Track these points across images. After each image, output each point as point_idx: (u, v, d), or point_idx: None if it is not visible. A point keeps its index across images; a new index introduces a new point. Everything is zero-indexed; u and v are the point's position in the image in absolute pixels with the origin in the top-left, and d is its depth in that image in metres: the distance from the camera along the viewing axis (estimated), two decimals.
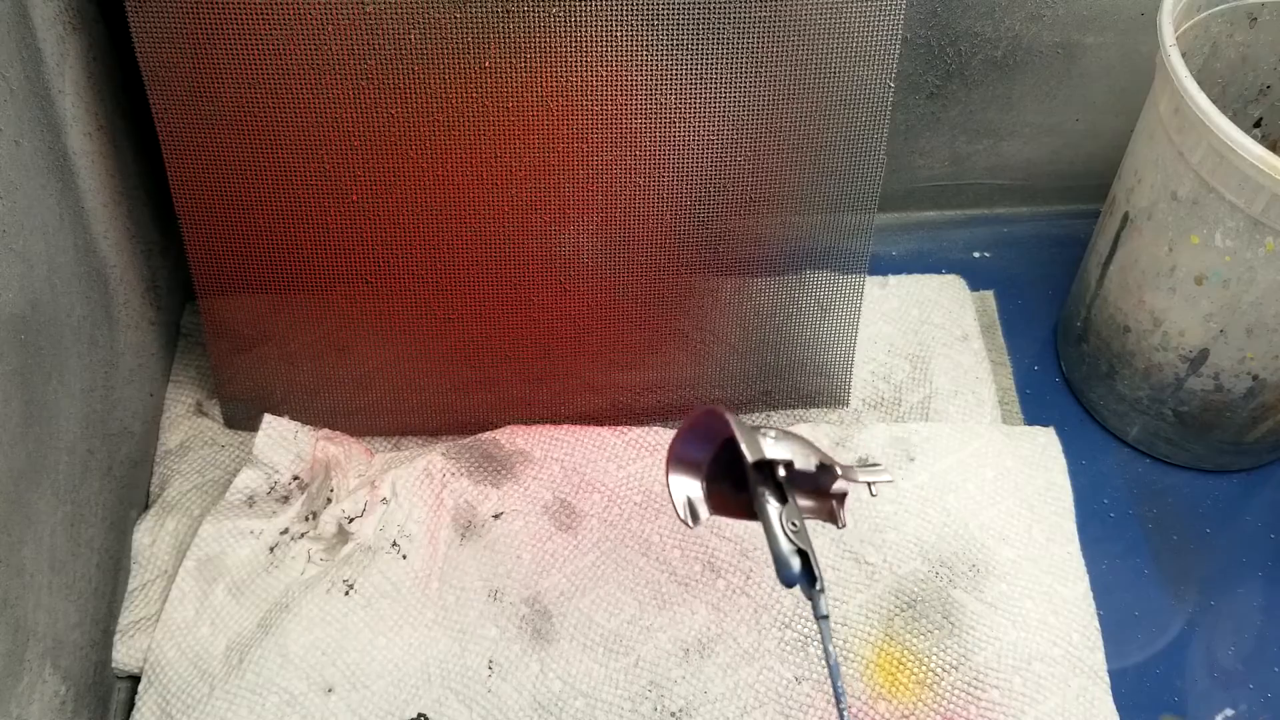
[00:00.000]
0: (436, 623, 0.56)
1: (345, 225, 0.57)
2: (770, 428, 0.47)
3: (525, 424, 0.63)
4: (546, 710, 0.54)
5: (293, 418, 0.62)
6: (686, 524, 0.47)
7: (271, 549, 0.58)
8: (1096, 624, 0.58)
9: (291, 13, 0.50)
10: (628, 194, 0.57)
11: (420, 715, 0.53)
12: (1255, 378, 0.60)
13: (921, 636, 0.56)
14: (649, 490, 0.61)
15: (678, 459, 0.48)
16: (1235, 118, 0.65)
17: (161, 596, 0.57)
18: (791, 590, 0.57)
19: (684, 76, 0.53)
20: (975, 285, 0.75)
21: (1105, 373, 0.67)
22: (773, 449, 0.45)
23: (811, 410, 0.67)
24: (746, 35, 0.52)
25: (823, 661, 0.55)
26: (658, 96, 0.54)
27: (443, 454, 0.61)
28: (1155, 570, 0.63)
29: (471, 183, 0.56)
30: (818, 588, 0.43)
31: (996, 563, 0.58)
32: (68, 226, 0.52)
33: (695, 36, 0.52)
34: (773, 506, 0.44)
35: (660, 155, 0.56)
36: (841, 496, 0.48)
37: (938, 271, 0.75)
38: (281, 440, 0.61)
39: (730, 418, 0.45)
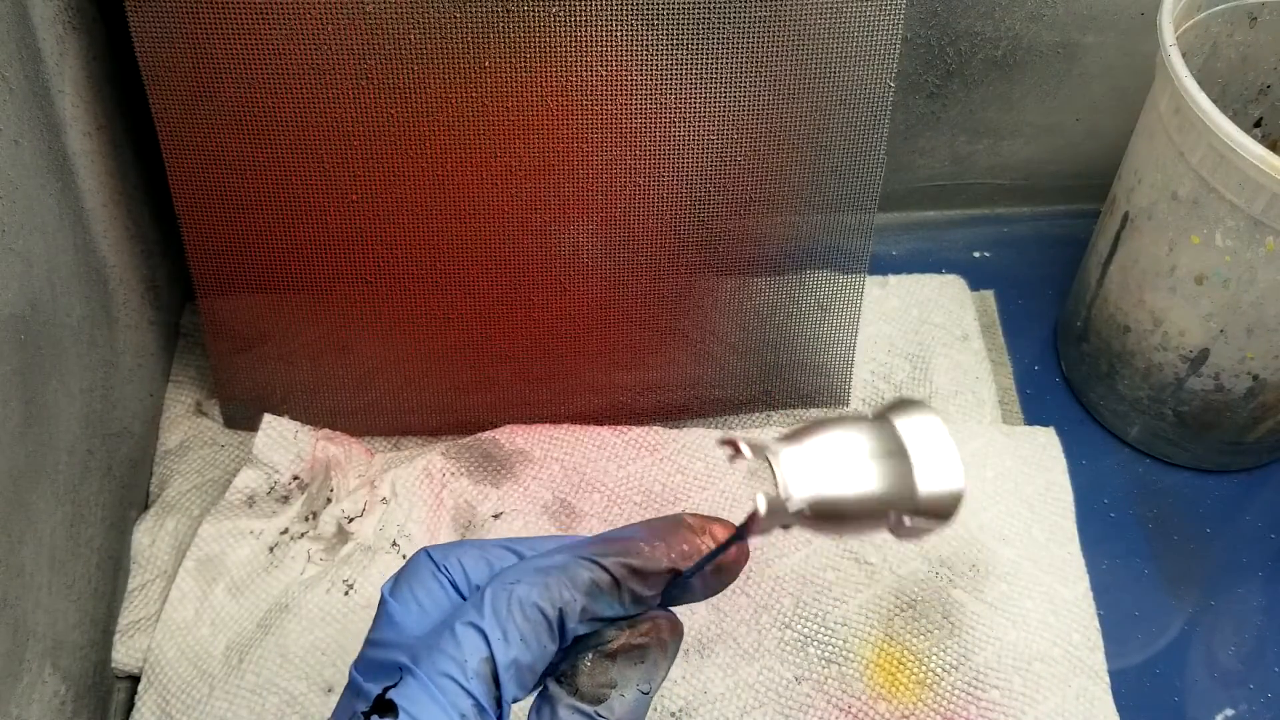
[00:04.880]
0: None
1: (345, 225, 0.56)
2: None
3: (525, 423, 0.63)
4: None
5: (292, 418, 0.61)
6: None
7: (271, 549, 0.58)
8: (1097, 624, 0.57)
9: (291, 12, 0.50)
10: (627, 193, 0.57)
11: None
12: (1255, 377, 0.60)
13: (921, 637, 0.56)
14: (649, 490, 0.61)
15: None
16: (1235, 117, 0.65)
17: (161, 596, 0.57)
18: (791, 591, 0.57)
19: (684, 76, 0.53)
20: (975, 285, 0.74)
21: (1105, 373, 0.67)
22: None
23: (811, 410, 0.67)
24: (746, 34, 0.52)
25: (823, 662, 0.55)
26: (657, 96, 0.54)
27: (442, 454, 0.61)
28: (1155, 570, 0.63)
29: (471, 182, 0.56)
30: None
31: (997, 563, 0.58)
32: (67, 226, 0.52)
33: (695, 36, 0.52)
34: None
35: (660, 155, 0.56)
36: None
37: (938, 271, 0.75)
38: (281, 440, 0.61)
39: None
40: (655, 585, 0.35)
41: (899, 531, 0.35)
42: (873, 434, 0.35)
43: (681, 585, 0.36)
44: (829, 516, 0.34)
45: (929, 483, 0.34)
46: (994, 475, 0.62)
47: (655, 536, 0.36)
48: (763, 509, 0.33)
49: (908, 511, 0.34)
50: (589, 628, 0.35)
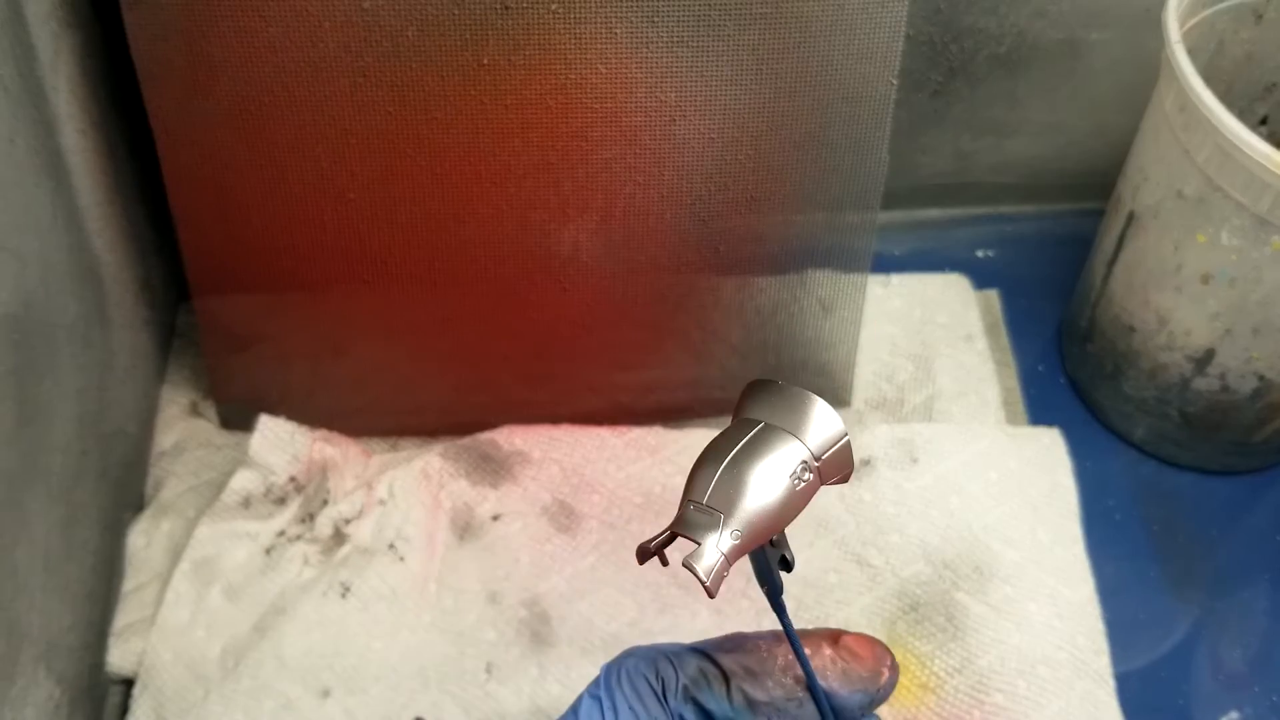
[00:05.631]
0: (434, 625, 0.56)
1: (342, 224, 0.56)
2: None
3: (524, 424, 0.63)
4: (545, 714, 0.53)
5: (289, 418, 0.61)
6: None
7: (267, 551, 0.57)
8: (1102, 627, 0.57)
9: (288, 9, 0.50)
10: (627, 192, 0.56)
11: (418, 719, 0.53)
12: (1261, 378, 0.60)
13: (925, 639, 0.56)
14: (649, 491, 0.60)
15: None
16: (1241, 115, 0.64)
17: (156, 599, 0.56)
18: (793, 594, 0.56)
19: (684, 73, 0.53)
20: (979, 284, 0.74)
21: (1110, 373, 0.67)
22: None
23: None
24: (748, 32, 0.52)
25: None
26: (658, 94, 0.53)
27: (440, 455, 0.61)
28: (1161, 573, 0.63)
29: (470, 181, 0.55)
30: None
31: (1001, 565, 0.58)
32: (61, 225, 0.52)
33: (696, 33, 0.52)
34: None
35: (661, 153, 0.55)
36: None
37: (941, 270, 0.75)
38: (278, 441, 0.60)
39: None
40: (770, 691, 0.36)
41: (820, 479, 0.35)
42: (734, 435, 0.35)
43: (833, 702, 0.37)
44: (758, 522, 0.34)
45: (805, 425, 0.34)
46: (998, 477, 0.61)
47: (777, 640, 0.37)
48: (706, 577, 0.32)
49: (810, 460, 0.34)
50: (695, 715, 0.36)
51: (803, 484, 0.34)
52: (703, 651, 0.37)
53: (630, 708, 0.35)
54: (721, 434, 0.35)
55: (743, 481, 0.33)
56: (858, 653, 0.37)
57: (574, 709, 0.36)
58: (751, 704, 0.36)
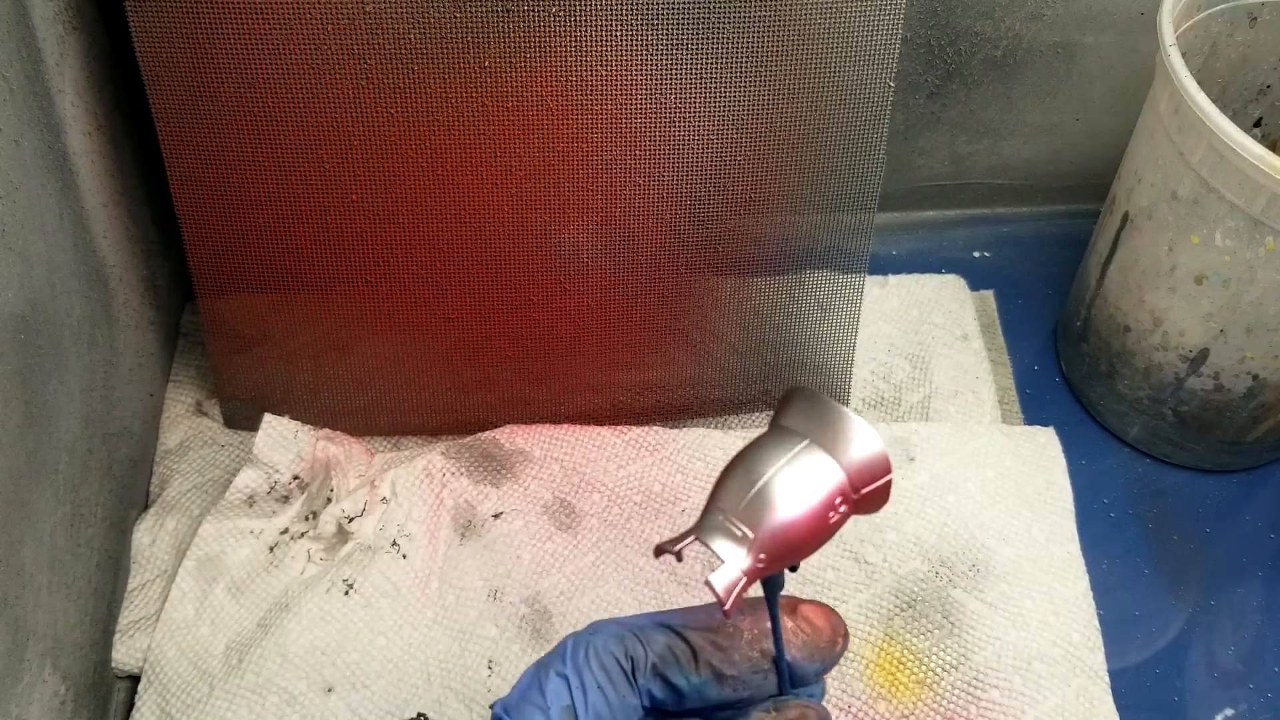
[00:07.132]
0: (436, 622, 0.56)
1: (345, 225, 0.57)
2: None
3: (525, 423, 0.63)
4: None
5: (293, 417, 0.62)
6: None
7: (271, 549, 0.58)
8: (1096, 624, 0.57)
9: (291, 12, 0.50)
10: (627, 193, 0.57)
11: (420, 715, 0.53)
12: (1255, 377, 0.60)
13: (921, 636, 0.56)
14: (649, 490, 0.61)
15: None
16: (1235, 117, 0.65)
17: (161, 596, 0.57)
18: (787, 590, 0.57)
19: (684, 76, 0.53)
20: (975, 285, 0.75)
21: (1105, 372, 0.67)
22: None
23: None
24: (746, 34, 0.52)
25: None
26: (657, 96, 0.54)
27: (442, 453, 0.61)
28: (1155, 570, 0.63)
29: (471, 182, 0.56)
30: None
31: (996, 562, 0.58)
32: (67, 226, 0.52)
33: (695, 35, 0.52)
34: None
35: (660, 154, 0.56)
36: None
37: (937, 271, 0.75)
38: (281, 440, 0.61)
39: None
40: (738, 665, 0.36)
41: (852, 511, 0.34)
42: (776, 450, 0.33)
43: (793, 670, 0.37)
44: (785, 550, 0.33)
45: (852, 458, 0.33)
46: (994, 475, 0.62)
47: (742, 613, 0.37)
48: (726, 597, 0.32)
49: (849, 494, 0.33)
50: (662, 690, 0.36)
51: (837, 516, 0.33)
52: (670, 627, 0.37)
53: (599, 687, 0.35)
54: (762, 442, 0.34)
55: (777, 506, 0.32)
56: (816, 623, 0.38)
57: (539, 687, 0.35)
58: (719, 677, 0.36)
